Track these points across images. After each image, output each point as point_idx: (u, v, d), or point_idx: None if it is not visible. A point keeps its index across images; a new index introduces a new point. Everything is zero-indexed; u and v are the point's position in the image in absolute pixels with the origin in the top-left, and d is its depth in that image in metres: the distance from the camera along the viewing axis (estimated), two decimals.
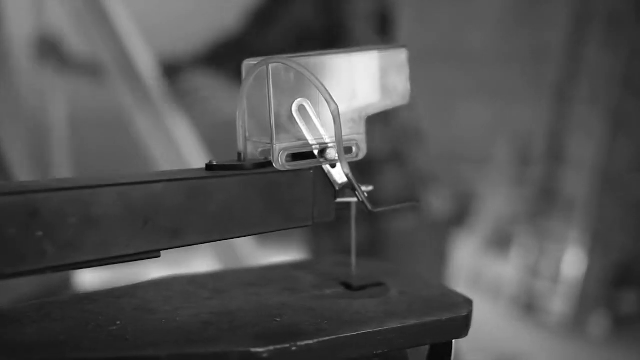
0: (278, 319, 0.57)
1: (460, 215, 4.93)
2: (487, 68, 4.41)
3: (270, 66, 0.57)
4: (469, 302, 0.61)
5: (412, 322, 0.57)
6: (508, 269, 4.29)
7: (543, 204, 3.72)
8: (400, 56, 0.63)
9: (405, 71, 0.63)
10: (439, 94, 4.89)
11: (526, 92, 4.24)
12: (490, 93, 4.42)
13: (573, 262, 3.49)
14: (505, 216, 4.06)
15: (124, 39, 1.86)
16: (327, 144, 0.60)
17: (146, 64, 1.89)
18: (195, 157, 1.86)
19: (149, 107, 1.85)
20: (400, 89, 0.63)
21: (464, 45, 4.69)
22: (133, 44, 1.88)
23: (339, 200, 0.62)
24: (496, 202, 4.14)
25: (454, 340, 0.60)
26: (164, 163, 1.84)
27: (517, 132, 4.15)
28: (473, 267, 4.07)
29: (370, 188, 0.62)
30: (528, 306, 3.63)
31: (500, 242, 4.03)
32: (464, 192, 4.92)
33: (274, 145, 0.58)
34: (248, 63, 0.60)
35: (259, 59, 0.58)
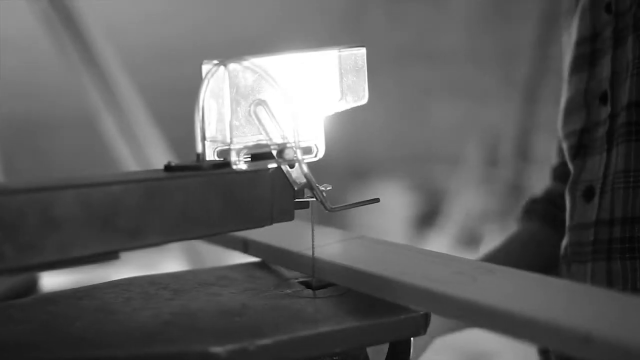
0: (238, 319, 0.57)
1: (430, 214, 4.96)
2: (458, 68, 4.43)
3: (228, 67, 0.57)
4: None
5: (371, 320, 0.58)
6: None
7: (512, 203, 3.74)
8: (358, 56, 0.63)
9: (364, 71, 0.63)
10: (410, 93, 4.91)
11: (495, 92, 4.27)
12: (460, 93, 4.43)
13: None
14: (475, 215, 4.09)
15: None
16: (285, 144, 0.60)
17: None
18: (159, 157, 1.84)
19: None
20: (358, 89, 0.63)
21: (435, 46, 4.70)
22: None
23: (297, 200, 0.62)
24: (466, 201, 4.16)
25: (412, 338, 0.61)
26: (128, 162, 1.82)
27: (487, 132, 4.17)
28: None
29: (329, 187, 0.62)
30: None
31: (470, 240, 4.06)
32: (434, 191, 4.95)
33: (232, 146, 0.58)
34: (207, 64, 0.60)
35: (218, 60, 0.58)
